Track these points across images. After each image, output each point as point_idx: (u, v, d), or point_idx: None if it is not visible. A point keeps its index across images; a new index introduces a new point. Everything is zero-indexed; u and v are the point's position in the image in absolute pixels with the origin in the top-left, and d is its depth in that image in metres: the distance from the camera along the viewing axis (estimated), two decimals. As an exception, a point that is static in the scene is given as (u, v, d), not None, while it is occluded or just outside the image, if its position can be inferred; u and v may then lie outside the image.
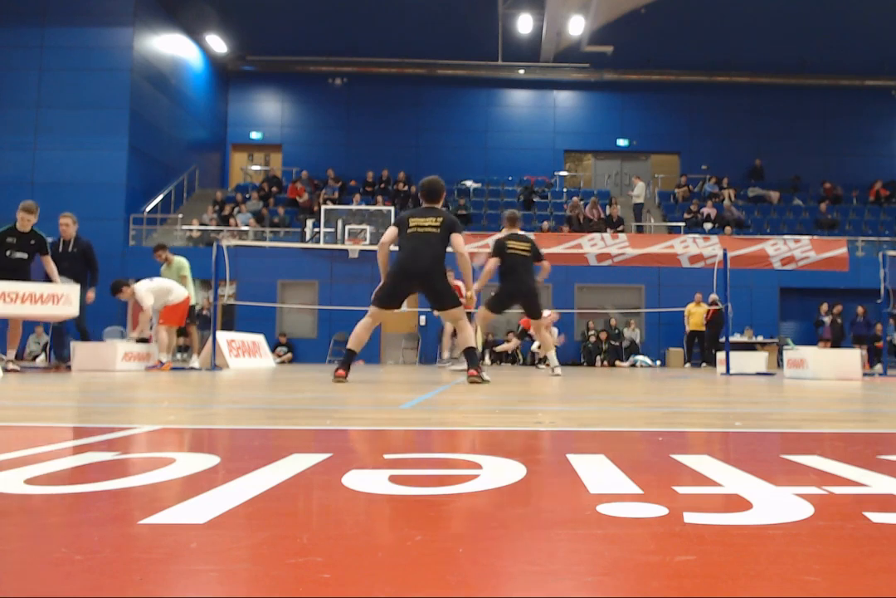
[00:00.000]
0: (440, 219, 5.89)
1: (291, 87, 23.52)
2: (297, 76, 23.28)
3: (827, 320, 16.37)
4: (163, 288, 9.15)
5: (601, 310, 17.50)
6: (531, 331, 6.88)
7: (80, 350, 8.72)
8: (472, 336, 6.04)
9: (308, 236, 17.24)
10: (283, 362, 16.11)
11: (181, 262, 10.00)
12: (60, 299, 7.48)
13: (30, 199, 8.52)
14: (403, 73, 23.11)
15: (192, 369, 9.49)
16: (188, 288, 9.60)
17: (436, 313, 6.31)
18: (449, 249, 5.92)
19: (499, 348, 16.11)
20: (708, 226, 19.02)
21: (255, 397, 4.17)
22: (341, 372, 5.70)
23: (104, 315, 16.65)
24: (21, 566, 0.82)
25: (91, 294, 8.85)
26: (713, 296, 15.17)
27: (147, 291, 8.96)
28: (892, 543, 0.94)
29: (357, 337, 5.93)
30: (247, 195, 20.42)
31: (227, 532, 0.96)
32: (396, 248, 6.02)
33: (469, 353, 5.92)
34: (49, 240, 8.53)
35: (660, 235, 16.62)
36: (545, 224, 19.00)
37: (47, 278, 8.14)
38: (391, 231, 6.01)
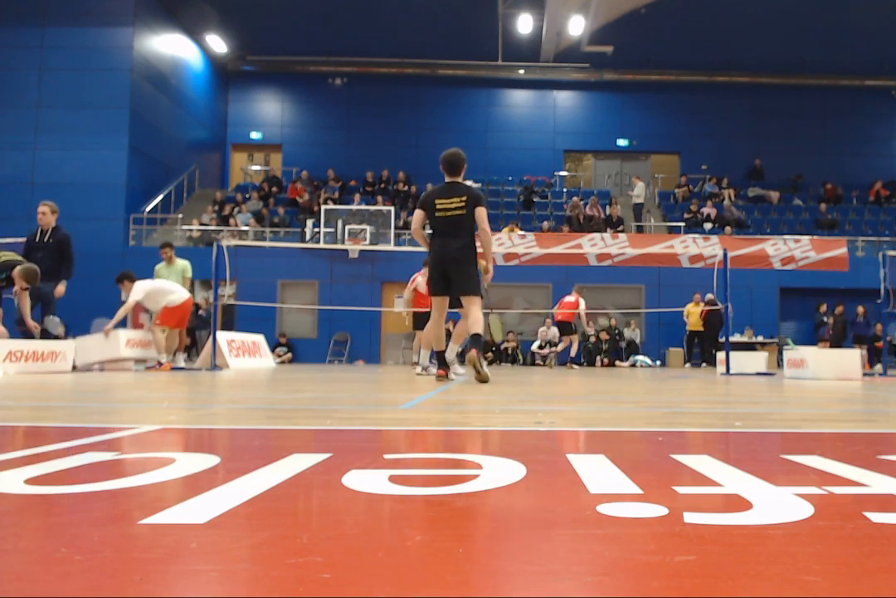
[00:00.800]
0: (464, 198, 5.92)
1: (291, 87, 23.52)
2: (297, 76, 23.28)
3: (829, 320, 16.34)
4: (163, 289, 9.20)
5: (601, 310, 17.50)
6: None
7: (85, 343, 8.98)
8: (481, 322, 6.03)
9: (308, 236, 17.23)
10: (283, 362, 16.11)
11: (186, 264, 10.09)
12: (58, 356, 8.19)
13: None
14: (403, 73, 23.11)
15: (192, 369, 9.50)
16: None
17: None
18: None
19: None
20: (708, 226, 19.03)
21: (255, 397, 4.17)
22: (441, 372, 5.98)
23: (103, 311, 16.66)
24: (21, 566, 0.82)
25: (61, 288, 8.51)
26: (709, 296, 15.18)
27: (142, 289, 9.04)
28: (892, 543, 0.94)
29: (436, 338, 6.05)
30: (247, 195, 20.42)
31: (227, 532, 0.96)
32: (429, 230, 6.13)
33: (475, 337, 5.86)
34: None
35: (660, 235, 16.61)
36: (545, 224, 19.00)
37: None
38: (418, 216, 6.03)
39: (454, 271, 5.92)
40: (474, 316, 5.95)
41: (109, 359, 9.06)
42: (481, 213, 5.90)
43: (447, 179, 6.07)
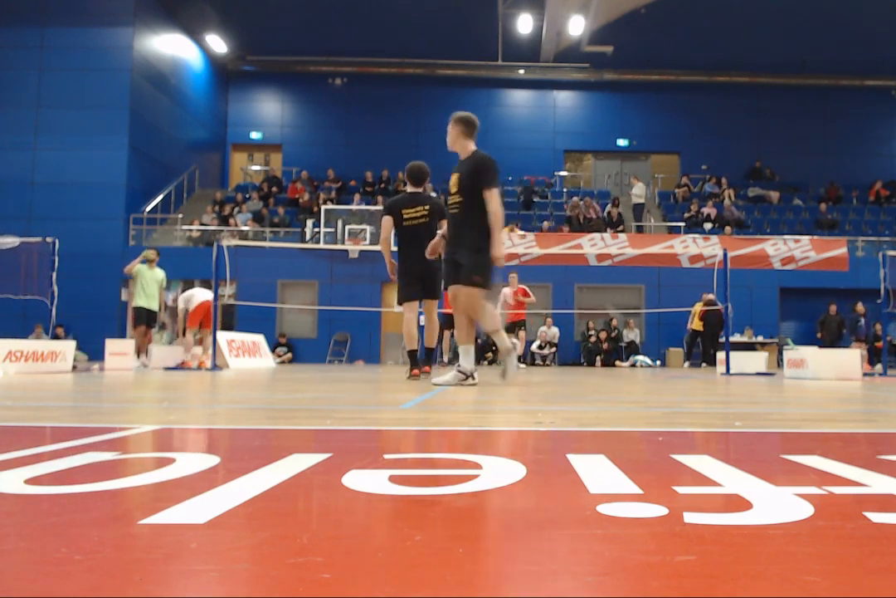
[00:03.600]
0: (427, 206, 6.20)
1: (291, 87, 23.52)
2: (297, 76, 23.27)
3: (862, 321, 16.02)
4: (190, 295, 10.30)
5: (601, 310, 17.49)
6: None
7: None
8: (437, 332, 6.38)
9: (308, 236, 17.24)
10: (283, 362, 16.11)
11: (164, 274, 10.87)
12: (58, 356, 8.38)
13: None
14: (403, 73, 23.10)
15: (191, 369, 9.53)
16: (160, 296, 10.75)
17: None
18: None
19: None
20: (708, 226, 19.02)
21: (255, 397, 4.17)
22: (416, 372, 6.09)
23: (103, 310, 16.68)
24: (21, 566, 0.82)
25: None
26: (709, 296, 15.16)
27: (184, 298, 10.29)
28: (892, 543, 0.94)
29: (409, 336, 6.18)
30: (247, 195, 20.41)
31: (227, 532, 0.96)
32: (395, 240, 6.33)
33: (428, 352, 6.33)
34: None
35: (660, 235, 16.60)
36: (545, 224, 19.00)
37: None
38: (386, 223, 6.26)
39: (429, 278, 6.17)
40: (432, 327, 6.28)
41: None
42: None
43: (410, 189, 6.31)
